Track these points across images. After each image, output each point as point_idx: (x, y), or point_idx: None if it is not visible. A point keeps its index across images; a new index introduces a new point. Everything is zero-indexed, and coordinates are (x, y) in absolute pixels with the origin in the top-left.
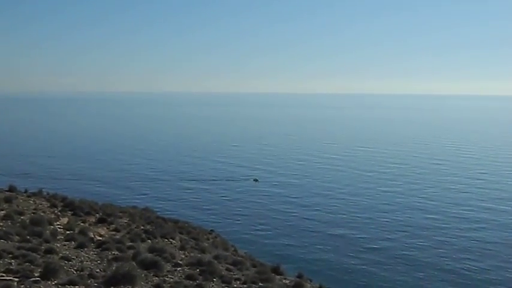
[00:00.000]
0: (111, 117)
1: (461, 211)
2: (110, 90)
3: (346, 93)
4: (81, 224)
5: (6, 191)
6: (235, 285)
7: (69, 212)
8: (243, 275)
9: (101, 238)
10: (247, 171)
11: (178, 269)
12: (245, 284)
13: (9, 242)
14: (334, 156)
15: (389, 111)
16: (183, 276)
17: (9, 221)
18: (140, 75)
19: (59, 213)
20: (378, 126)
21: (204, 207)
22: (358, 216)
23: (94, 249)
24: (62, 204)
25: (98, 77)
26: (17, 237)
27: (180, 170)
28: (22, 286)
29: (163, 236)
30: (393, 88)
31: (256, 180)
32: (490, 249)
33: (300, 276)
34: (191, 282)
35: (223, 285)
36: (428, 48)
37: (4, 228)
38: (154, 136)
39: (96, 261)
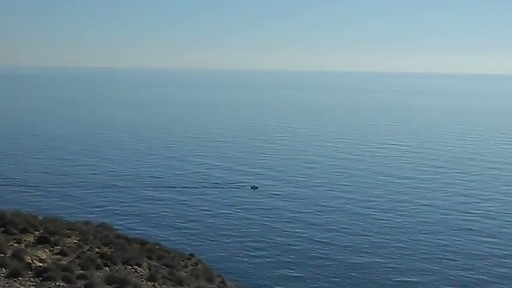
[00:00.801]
0: (54, 100)
1: None
2: (57, 65)
3: (371, 72)
4: (15, 244)
5: None
6: None
7: None
8: None
9: (41, 264)
10: (240, 176)
11: None
12: None
13: None
14: (353, 157)
15: (424, 95)
16: None
17: None
18: (102, 49)
19: None
20: (409, 116)
21: (181, 224)
22: (387, 239)
23: (32, 279)
24: None
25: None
26: None
27: (149, 173)
28: None
29: (125, 262)
30: (420, 66)
31: (254, 187)
32: None
33: None
34: None
35: None
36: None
37: None
38: (111, 127)
39: None
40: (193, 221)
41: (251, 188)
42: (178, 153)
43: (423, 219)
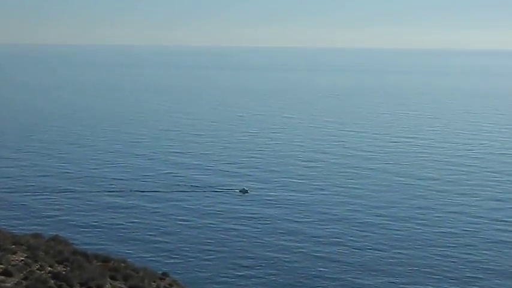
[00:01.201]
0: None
1: None
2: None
3: (408, 49)
4: None
5: None
6: None
7: None
8: None
9: None
10: (226, 177)
11: None
12: None
13: None
14: (363, 153)
15: (453, 75)
16: None
17: None
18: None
19: None
20: (433, 103)
21: (152, 237)
22: (404, 255)
23: None
24: None
25: None
26: None
27: (111, 175)
28: None
29: (84, 284)
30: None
31: (244, 191)
32: None
33: None
34: None
35: None
36: None
37: None
38: (67, 117)
39: None
40: (167, 233)
41: (240, 191)
42: (148, 150)
43: (449, 230)
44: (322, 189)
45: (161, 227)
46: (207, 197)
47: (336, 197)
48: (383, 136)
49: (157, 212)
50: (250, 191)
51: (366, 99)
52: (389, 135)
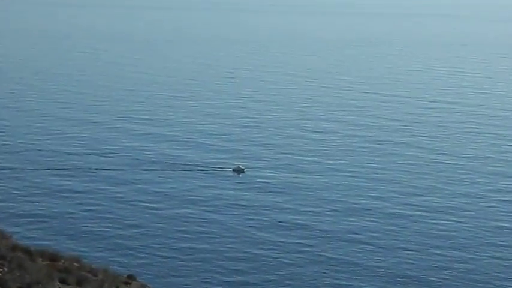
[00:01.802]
0: None
1: None
2: None
3: None
4: None
5: None
6: None
7: None
8: None
9: None
10: (213, 153)
11: None
12: None
13: None
14: (389, 124)
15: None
16: None
17: None
18: None
19: None
20: (482, 55)
21: (114, 230)
22: (448, 259)
23: None
24: None
25: None
26: None
27: (60, 148)
28: None
29: None
30: None
31: (239, 170)
32: None
33: None
34: None
35: None
36: None
37: None
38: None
39: None
40: (134, 225)
41: (233, 171)
42: (109, 116)
43: (506, 225)
44: (336, 170)
45: (126, 217)
46: (188, 178)
47: (355, 180)
48: (417, 100)
49: (121, 197)
50: (246, 170)
51: (393, 48)
52: (425, 99)
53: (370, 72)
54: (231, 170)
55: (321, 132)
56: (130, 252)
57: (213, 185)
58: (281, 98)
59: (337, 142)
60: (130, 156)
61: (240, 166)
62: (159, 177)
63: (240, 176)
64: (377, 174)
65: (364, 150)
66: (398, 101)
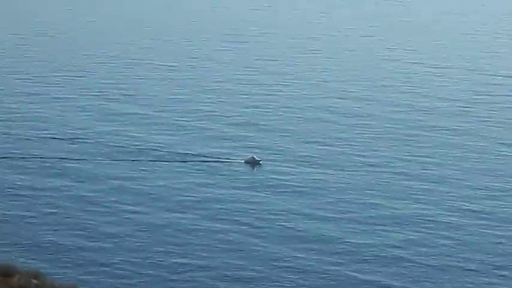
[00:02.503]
0: None
1: None
2: None
3: None
4: None
5: None
6: None
7: None
8: None
9: None
10: (218, 142)
11: None
12: None
13: None
14: (444, 104)
15: None
16: None
17: None
18: None
19: None
20: None
21: (84, 240)
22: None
23: None
24: None
25: None
26: None
27: (16, 132)
28: None
29: None
30: None
31: (255, 162)
32: None
33: None
34: None
35: None
36: None
37: None
38: None
39: None
40: (110, 234)
41: (246, 163)
42: (80, 93)
43: None
44: (372, 165)
45: (101, 223)
46: (184, 172)
47: (395, 177)
48: (483, 72)
49: (94, 197)
50: (263, 162)
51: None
52: (494, 71)
53: (411, 34)
54: (243, 162)
55: (350, 115)
56: (105, 268)
57: (217, 181)
58: (300, 72)
59: (374, 129)
60: (105, 143)
61: (255, 157)
62: (145, 171)
63: (255, 169)
64: (427, 170)
65: (406, 139)
66: (458, 73)
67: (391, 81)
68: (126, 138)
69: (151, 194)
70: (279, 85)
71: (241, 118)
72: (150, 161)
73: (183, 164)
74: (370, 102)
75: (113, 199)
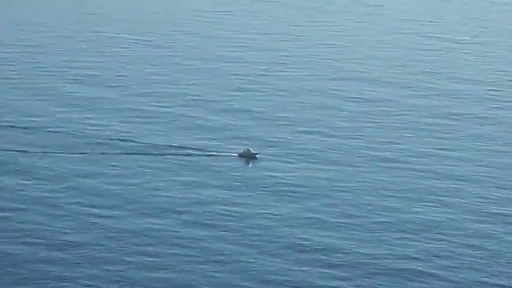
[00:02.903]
0: None
1: None
2: None
3: None
4: None
5: None
6: None
7: None
8: None
9: None
10: (207, 132)
11: None
12: None
13: None
14: (472, 88)
15: None
16: None
17: None
18: None
19: None
20: None
21: (43, 248)
22: None
23: None
24: None
25: None
26: None
27: None
28: None
29: None
30: None
31: (250, 155)
32: None
33: None
34: None
35: None
36: None
37: None
38: None
39: None
40: (73, 244)
41: (240, 156)
42: (40, 75)
43: None
44: (384, 160)
45: (61, 229)
46: (162, 168)
47: (413, 175)
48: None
49: (54, 197)
50: (260, 156)
51: None
52: None
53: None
54: (235, 155)
55: (366, 101)
56: (66, 284)
57: (203, 179)
58: (304, 47)
59: (389, 116)
60: (69, 132)
61: (251, 150)
62: (116, 166)
63: (250, 165)
64: (452, 167)
65: (433, 129)
66: (489, 49)
67: (409, 59)
68: (92, 128)
69: (122, 194)
70: (276, 63)
71: (232, 103)
72: (122, 154)
73: (161, 159)
74: (384, 85)
75: (77, 200)
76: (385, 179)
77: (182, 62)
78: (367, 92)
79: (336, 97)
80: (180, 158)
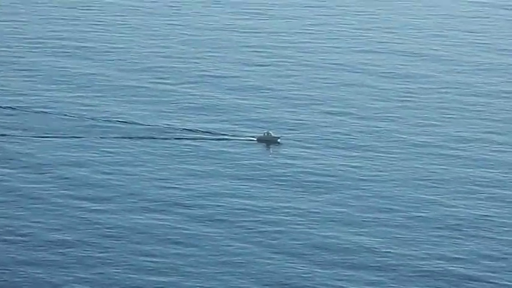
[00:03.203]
0: None
1: None
2: None
3: None
4: None
5: None
6: None
7: None
8: None
9: None
10: (229, 114)
11: None
12: None
13: None
14: None
15: None
16: None
17: None
18: None
19: None
20: None
21: (21, 247)
22: None
23: None
24: None
25: None
26: None
27: None
28: None
29: None
30: None
31: (269, 139)
32: None
33: None
34: None
35: None
36: None
37: None
38: None
39: None
40: (62, 241)
41: (259, 141)
42: (19, 47)
43: None
44: (421, 146)
45: (46, 225)
46: (165, 154)
47: (454, 163)
48: None
49: (37, 188)
50: (282, 140)
51: None
52: None
53: None
54: (255, 140)
55: (401, 77)
56: None
57: (217, 167)
58: (329, 16)
59: (427, 95)
60: (54, 112)
61: (271, 133)
62: (114, 153)
63: (271, 150)
64: (503, 153)
65: (479, 109)
66: None
67: (450, 28)
68: (85, 108)
69: (119, 185)
70: (299, 34)
71: (248, 80)
72: (119, 138)
73: (165, 144)
74: (421, 59)
75: (65, 192)
76: (422, 167)
77: (188, 31)
78: (401, 67)
79: (367, 72)
80: (187, 143)
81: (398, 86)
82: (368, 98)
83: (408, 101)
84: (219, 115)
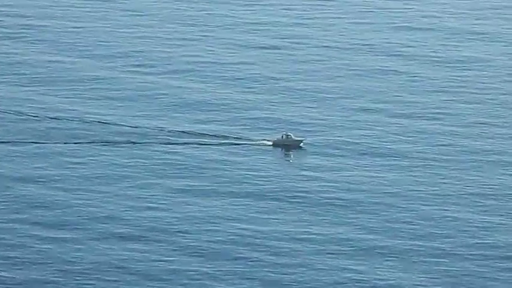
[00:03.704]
0: None
1: None
2: None
3: None
4: None
5: None
6: None
7: None
8: None
9: None
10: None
11: None
12: None
13: None
14: None
15: None
16: None
17: None
18: None
19: None
20: None
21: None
22: None
23: None
24: None
25: None
26: None
27: None
28: None
29: None
30: None
31: (287, 143)
32: None
33: None
34: None
35: None
36: None
37: None
38: None
39: None
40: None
41: (275, 145)
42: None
43: None
44: (480, 153)
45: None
46: (156, 161)
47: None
48: None
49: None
50: (307, 142)
51: None
52: None
53: None
54: (269, 143)
55: (445, 62)
56: None
57: (220, 181)
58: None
59: (484, 86)
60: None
61: (292, 136)
62: (85, 164)
63: (291, 156)
64: None
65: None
66: None
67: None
68: (42, 106)
69: (85, 206)
70: (318, 18)
71: (261, 74)
72: (97, 144)
73: (147, 150)
74: (474, 42)
75: (12, 216)
76: (481, 180)
77: (188, 20)
78: (451, 49)
79: (405, 57)
80: (177, 149)
81: (446, 74)
82: (407, 89)
83: (461, 92)
84: (224, 115)
